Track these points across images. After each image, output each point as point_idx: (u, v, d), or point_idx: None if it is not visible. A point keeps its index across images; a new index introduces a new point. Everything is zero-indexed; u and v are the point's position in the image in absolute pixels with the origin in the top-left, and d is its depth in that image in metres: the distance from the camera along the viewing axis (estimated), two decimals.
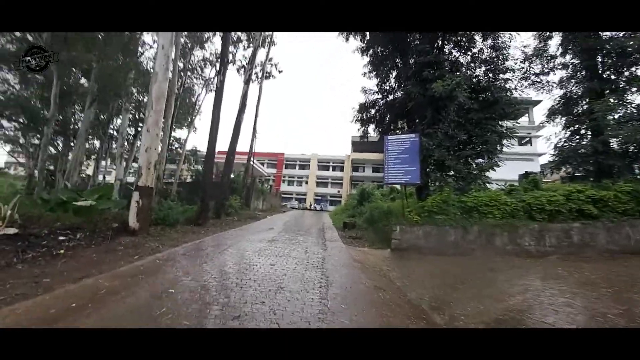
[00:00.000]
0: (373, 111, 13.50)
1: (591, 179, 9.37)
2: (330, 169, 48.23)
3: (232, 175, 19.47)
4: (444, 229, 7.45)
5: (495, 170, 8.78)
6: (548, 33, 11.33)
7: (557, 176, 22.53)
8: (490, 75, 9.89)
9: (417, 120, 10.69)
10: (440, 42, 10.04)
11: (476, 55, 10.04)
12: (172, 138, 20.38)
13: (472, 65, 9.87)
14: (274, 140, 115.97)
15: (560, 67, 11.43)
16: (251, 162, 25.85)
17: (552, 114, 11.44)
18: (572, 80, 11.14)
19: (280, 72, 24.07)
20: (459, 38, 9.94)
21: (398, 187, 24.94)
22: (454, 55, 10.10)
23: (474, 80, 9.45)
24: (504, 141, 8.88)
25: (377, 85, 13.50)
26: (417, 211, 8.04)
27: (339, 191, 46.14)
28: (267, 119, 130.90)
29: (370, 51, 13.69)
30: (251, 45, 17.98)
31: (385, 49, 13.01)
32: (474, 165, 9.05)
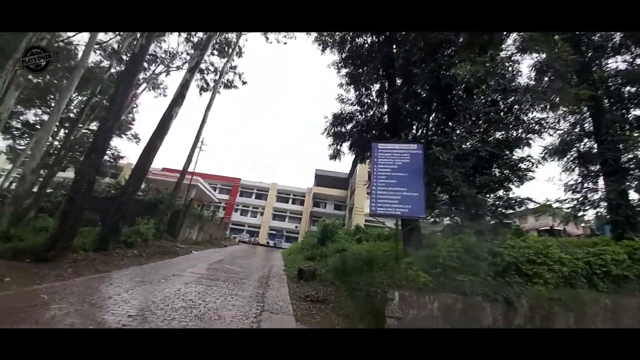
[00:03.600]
0: (349, 126, 10.85)
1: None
2: (290, 201, 44.36)
3: (156, 193, 14.75)
4: (474, 301, 4.25)
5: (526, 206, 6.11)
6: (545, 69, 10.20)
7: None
8: (499, 94, 7.86)
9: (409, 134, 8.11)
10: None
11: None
12: (79, 132, 15.34)
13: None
14: (232, 165, 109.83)
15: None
16: (192, 181, 21.14)
17: (553, 153, 9.79)
18: (571, 117, 9.80)
19: (244, 83, 21.28)
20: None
21: (362, 225, 22.09)
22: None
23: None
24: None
25: (356, 97, 11.09)
26: (421, 264, 4.81)
27: (296, 226, 41.90)
28: (227, 141, 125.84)
29: (350, 62, 11.49)
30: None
31: (367, 61, 10.87)
32: (489, 199, 6.34)
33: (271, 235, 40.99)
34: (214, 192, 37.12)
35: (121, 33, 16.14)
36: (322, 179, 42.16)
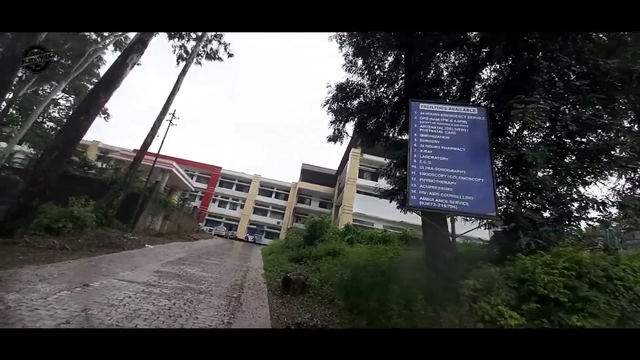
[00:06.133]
0: (356, 102, 8.83)
1: None
2: (273, 195, 41.86)
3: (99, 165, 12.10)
4: None
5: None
6: None
7: None
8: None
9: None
10: None
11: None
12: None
13: None
14: (215, 153, 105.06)
15: None
16: (165, 165, 18.31)
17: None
18: None
19: (230, 55, 18.71)
20: None
21: (350, 223, 20.14)
22: None
23: None
24: None
25: (365, 67, 9.03)
26: (500, 293, 2.87)
27: (279, 222, 39.55)
28: (210, 128, 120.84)
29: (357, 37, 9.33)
30: None
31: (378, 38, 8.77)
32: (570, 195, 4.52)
33: (251, 229, 38.40)
34: (190, 179, 34.04)
35: None
36: (308, 174, 40.04)
